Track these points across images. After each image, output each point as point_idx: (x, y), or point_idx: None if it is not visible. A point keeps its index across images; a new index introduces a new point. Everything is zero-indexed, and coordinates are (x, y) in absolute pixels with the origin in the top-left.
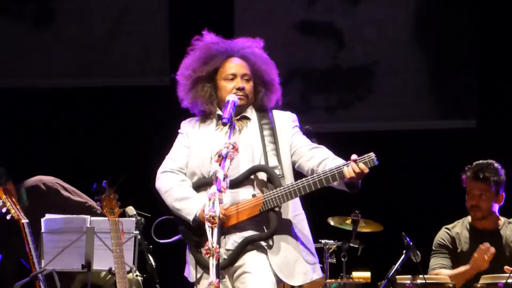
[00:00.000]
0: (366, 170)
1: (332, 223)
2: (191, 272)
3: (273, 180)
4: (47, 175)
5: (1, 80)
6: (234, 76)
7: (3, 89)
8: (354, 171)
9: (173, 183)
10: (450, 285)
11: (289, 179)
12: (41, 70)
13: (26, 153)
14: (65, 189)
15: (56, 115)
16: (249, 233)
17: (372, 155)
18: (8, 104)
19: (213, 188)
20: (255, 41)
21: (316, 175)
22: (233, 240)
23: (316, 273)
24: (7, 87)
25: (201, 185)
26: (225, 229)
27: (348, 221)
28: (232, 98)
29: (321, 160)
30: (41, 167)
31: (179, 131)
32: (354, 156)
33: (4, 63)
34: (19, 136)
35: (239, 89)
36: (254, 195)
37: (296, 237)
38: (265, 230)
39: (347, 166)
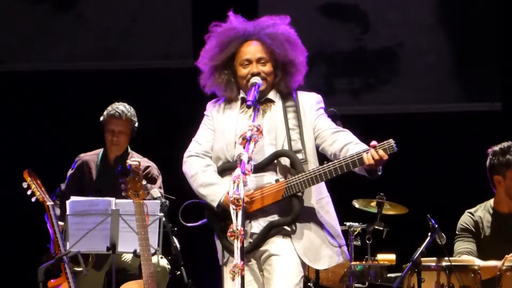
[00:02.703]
0: (385, 157)
1: (357, 205)
2: (219, 255)
3: (295, 166)
4: (70, 158)
5: (24, 64)
6: (249, 62)
7: (27, 72)
8: (373, 158)
9: (198, 168)
10: (475, 267)
11: (312, 163)
12: (64, 54)
13: (50, 136)
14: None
15: (79, 97)
16: (274, 217)
17: (391, 141)
18: (31, 87)
19: (238, 171)
20: (279, 19)
21: (337, 161)
22: (258, 224)
23: (342, 256)
24: (30, 70)
25: (225, 169)
26: (250, 213)
27: (373, 204)
28: (256, 80)
29: (343, 145)
30: (64, 149)
31: (205, 112)
32: (373, 143)
33: (27, 47)
34: (43, 119)
35: (253, 74)
36: (277, 180)
37: (320, 221)
38: (289, 215)
39: (367, 153)
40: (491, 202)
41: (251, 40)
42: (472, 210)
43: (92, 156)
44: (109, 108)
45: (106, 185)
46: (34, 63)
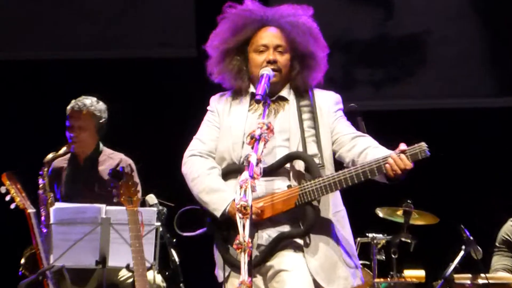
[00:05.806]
0: (410, 166)
1: (381, 214)
2: (218, 270)
3: (311, 170)
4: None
5: (22, 53)
6: (265, 48)
7: (24, 61)
8: (397, 165)
9: (200, 171)
10: None
11: (329, 169)
12: (65, 42)
13: (49, 127)
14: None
15: (80, 87)
16: (284, 228)
17: (423, 145)
18: (20, 76)
19: (245, 174)
20: (301, 8)
21: (360, 167)
22: (267, 234)
23: (357, 279)
24: (27, 59)
25: (230, 172)
26: (257, 222)
27: (399, 213)
28: (266, 71)
29: (362, 149)
30: (56, 142)
31: (208, 108)
32: (403, 146)
33: (25, 36)
34: (33, 109)
35: (269, 62)
36: (289, 186)
37: (336, 237)
38: (301, 226)
39: (387, 160)
40: None
41: (270, 26)
42: None
43: (61, 159)
44: (73, 101)
45: (75, 191)
46: (22, 52)
